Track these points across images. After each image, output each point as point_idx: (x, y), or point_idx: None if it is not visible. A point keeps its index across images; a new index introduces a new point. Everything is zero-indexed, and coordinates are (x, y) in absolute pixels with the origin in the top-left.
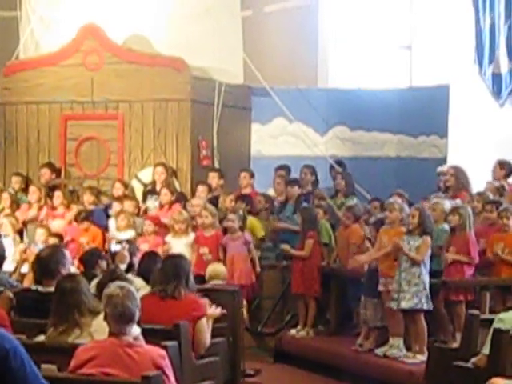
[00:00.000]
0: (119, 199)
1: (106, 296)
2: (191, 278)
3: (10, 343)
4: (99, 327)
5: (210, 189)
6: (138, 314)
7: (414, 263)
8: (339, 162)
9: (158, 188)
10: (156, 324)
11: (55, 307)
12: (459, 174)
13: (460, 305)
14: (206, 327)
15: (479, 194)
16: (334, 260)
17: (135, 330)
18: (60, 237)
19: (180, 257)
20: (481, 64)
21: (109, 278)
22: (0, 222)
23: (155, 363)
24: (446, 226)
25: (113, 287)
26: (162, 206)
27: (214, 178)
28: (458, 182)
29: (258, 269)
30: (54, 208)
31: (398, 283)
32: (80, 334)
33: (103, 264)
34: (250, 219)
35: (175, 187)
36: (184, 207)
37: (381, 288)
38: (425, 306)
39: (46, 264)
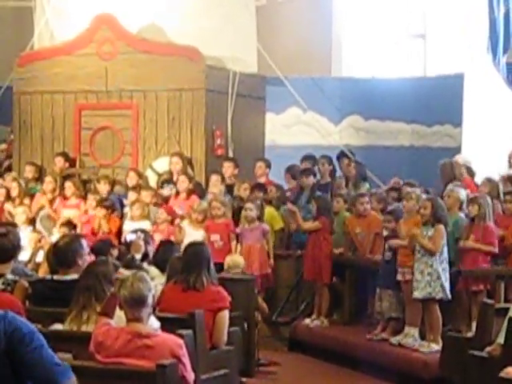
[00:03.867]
0: (135, 188)
1: (119, 281)
2: (212, 265)
3: (27, 328)
4: (119, 319)
5: (223, 178)
6: (150, 297)
7: (429, 253)
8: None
9: (174, 178)
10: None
11: (75, 293)
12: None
13: (481, 294)
14: (227, 320)
15: (488, 179)
16: (349, 249)
17: (154, 323)
18: (74, 226)
19: (201, 244)
20: (495, 53)
21: (125, 267)
22: (14, 212)
23: (172, 352)
24: (462, 215)
25: (125, 273)
26: (177, 194)
27: (229, 168)
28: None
29: (272, 261)
30: (65, 198)
31: (415, 273)
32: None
33: (115, 253)
34: (268, 209)
35: (191, 176)
36: (201, 197)
37: (399, 277)
38: (439, 295)
39: (63, 254)
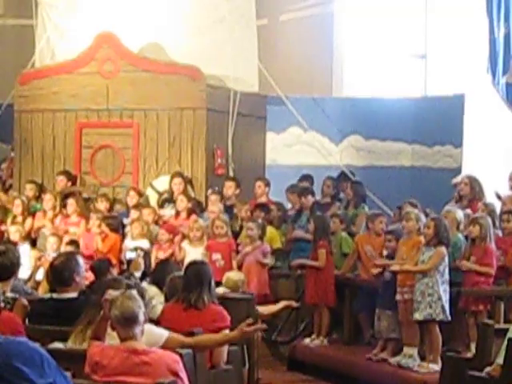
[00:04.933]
0: (136, 207)
1: (109, 302)
2: (213, 284)
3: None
4: (111, 339)
5: (222, 197)
6: (142, 314)
7: (426, 274)
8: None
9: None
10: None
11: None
12: (473, 184)
13: (481, 314)
14: None
15: (485, 204)
16: (351, 269)
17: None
18: (76, 244)
19: (202, 263)
20: (494, 74)
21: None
22: (9, 230)
23: (170, 368)
24: (460, 236)
25: (113, 294)
26: (178, 214)
27: (230, 188)
28: (472, 192)
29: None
30: (67, 216)
31: (415, 294)
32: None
33: (114, 272)
34: (269, 229)
35: (191, 195)
36: (200, 215)
37: (398, 297)
38: (440, 317)
39: (60, 273)
